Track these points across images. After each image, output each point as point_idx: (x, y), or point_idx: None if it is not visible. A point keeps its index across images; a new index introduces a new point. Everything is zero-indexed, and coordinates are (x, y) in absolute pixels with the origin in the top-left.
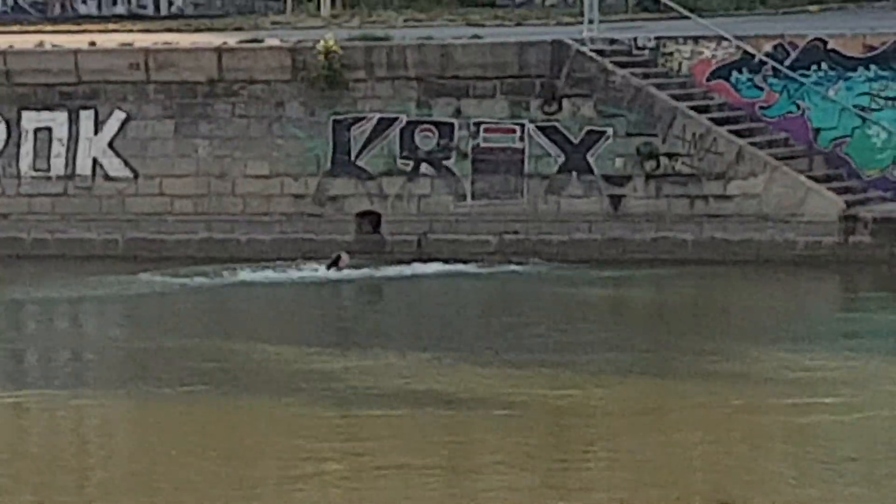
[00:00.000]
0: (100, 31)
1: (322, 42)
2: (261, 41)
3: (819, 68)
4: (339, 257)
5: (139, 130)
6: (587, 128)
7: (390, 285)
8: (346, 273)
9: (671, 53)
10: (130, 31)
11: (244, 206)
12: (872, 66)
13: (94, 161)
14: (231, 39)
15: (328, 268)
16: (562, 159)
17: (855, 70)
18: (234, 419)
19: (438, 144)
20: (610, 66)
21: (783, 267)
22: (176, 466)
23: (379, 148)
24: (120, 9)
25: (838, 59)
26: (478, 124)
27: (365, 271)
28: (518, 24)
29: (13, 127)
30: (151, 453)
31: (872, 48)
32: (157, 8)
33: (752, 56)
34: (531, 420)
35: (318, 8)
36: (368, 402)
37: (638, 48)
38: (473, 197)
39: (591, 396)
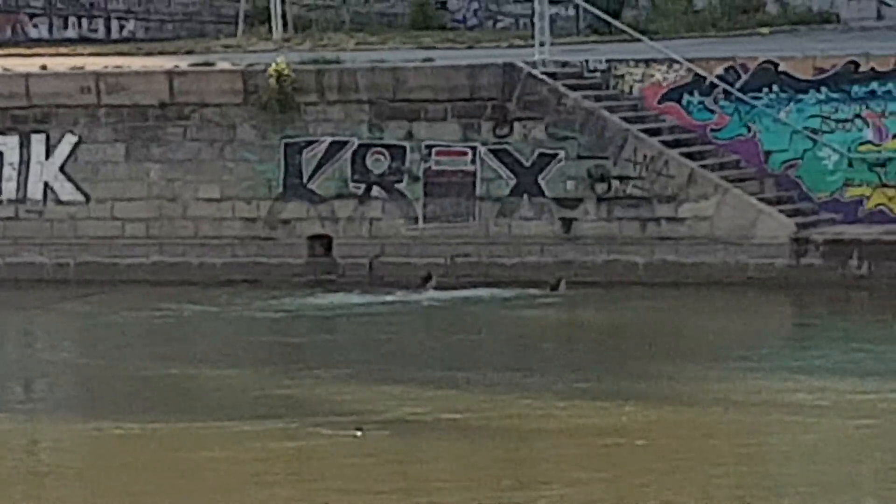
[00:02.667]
0: (51, 55)
1: (273, 65)
2: (212, 64)
3: (770, 91)
4: (429, 276)
5: (90, 154)
6: (538, 150)
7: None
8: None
9: (622, 76)
10: (81, 54)
11: (196, 229)
12: (823, 89)
13: (46, 185)
14: (182, 63)
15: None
16: (513, 182)
17: (806, 92)
18: (181, 443)
19: (390, 167)
20: (561, 89)
21: (734, 289)
22: (127, 486)
23: (331, 171)
24: (71, 32)
25: (789, 82)
26: (429, 147)
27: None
28: (470, 47)
29: None
30: (99, 475)
31: (823, 70)
32: (108, 31)
33: (704, 78)
34: (483, 441)
35: (270, 31)
36: (321, 423)
37: (589, 71)
38: (425, 220)
39: (542, 418)
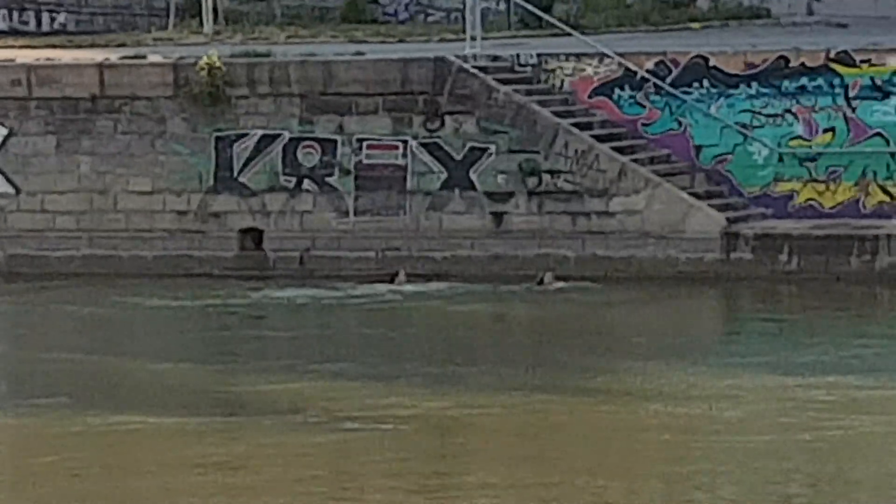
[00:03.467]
0: None
1: (204, 58)
2: (143, 57)
3: (701, 86)
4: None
5: (21, 146)
6: (469, 144)
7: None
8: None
9: (553, 70)
10: (12, 46)
11: (126, 222)
12: (754, 84)
13: None
14: (113, 55)
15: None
16: (444, 176)
17: (736, 87)
18: (113, 436)
19: (321, 161)
20: (492, 83)
21: (665, 283)
22: (56, 482)
23: (261, 164)
24: (1, 24)
25: (720, 77)
26: (360, 141)
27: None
28: (401, 41)
29: None
30: (32, 469)
31: (754, 66)
32: (38, 24)
33: (634, 73)
34: (413, 436)
35: (201, 24)
36: (255, 417)
37: (520, 65)
38: (356, 213)
39: (473, 413)
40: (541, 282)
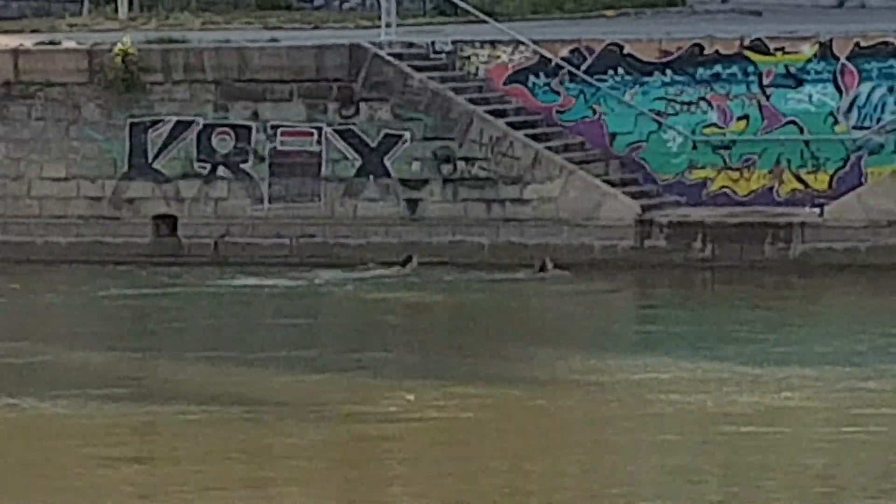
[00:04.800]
0: None
1: (119, 45)
2: (57, 43)
3: (615, 73)
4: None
5: None
6: (384, 131)
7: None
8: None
9: (468, 57)
10: None
11: (40, 208)
12: (668, 71)
13: None
14: (27, 41)
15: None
16: (359, 163)
17: (651, 75)
18: (31, 424)
19: (235, 147)
20: (407, 70)
21: (579, 270)
22: None
23: (176, 151)
24: None
25: (634, 64)
26: (275, 127)
27: None
28: (316, 28)
29: None
30: None
31: (668, 53)
32: None
33: (549, 60)
34: (327, 425)
35: (116, 10)
36: (167, 405)
37: (435, 52)
38: (270, 200)
39: (388, 401)
40: (542, 268)
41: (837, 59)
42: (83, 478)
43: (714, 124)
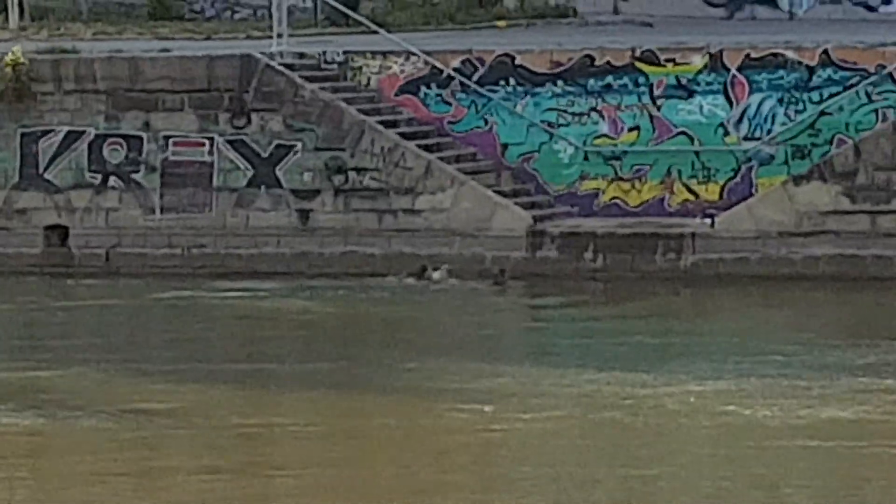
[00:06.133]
0: None
1: (9, 55)
2: None
3: (507, 84)
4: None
5: None
6: (276, 142)
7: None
8: None
9: (360, 68)
10: None
11: None
12: (559, 82)
13: None
14: None
15: None
16: (251, 173)
17: (542, 86)
18: None
19: (127, 158)
20: (299, 81)
21: (471, 280)
22: None
23: (67, 161)
24: None
25: (526, 75)
26: (167, 138)
27: None
28: (207, 38)
29: None
30: None
31: (559, 64)
32: None
33: (441, 71)
34: (216, 435)
35: (6, 20)
36: (60, 412)
37: (327, 62)
38: (162, 210)
39: (278, 411)
40: (499, 281)
41: (728, 70)
42: None
43: (605, 135)
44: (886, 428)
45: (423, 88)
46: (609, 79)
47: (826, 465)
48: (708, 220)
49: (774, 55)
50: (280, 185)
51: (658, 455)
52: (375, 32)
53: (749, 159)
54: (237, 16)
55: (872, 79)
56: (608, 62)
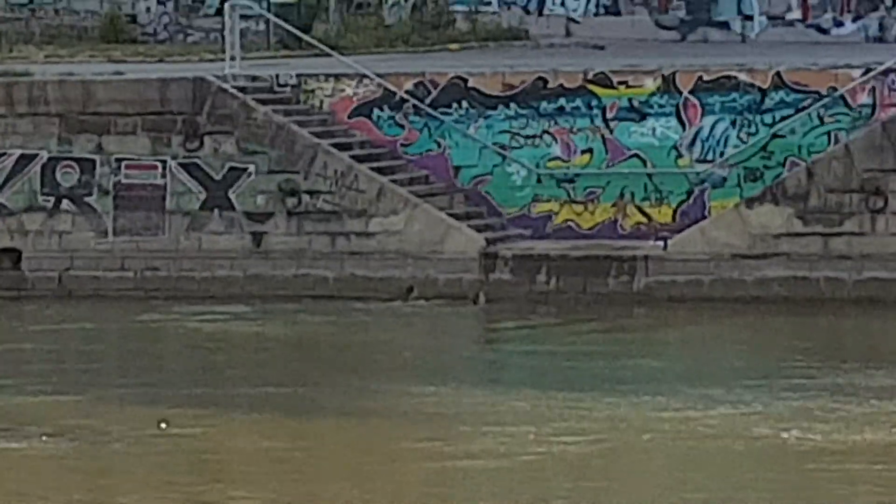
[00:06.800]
0: None
1: None
2: None
3: (460, 106)
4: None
5: None
6: (229, 164)
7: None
8: None
9: (313, 91)
10: None
11: None
12: (512, 105)
13: None
14: None
15: None
16: (203, 196)
17: (495, 108)
18: None
19: (80, 181)
20: (251, 103)
21: (424, 304)
22: None
23: (20, 184)
24: None
25: (479, 98)
26: (119, 161)
27: None
28: (160, 61)
29: None
30: None
31: (512, 87)
32: None
33: (394, 94)
34: (167, 459)
35: None
36: (8, 434)
37: (279, 85)
38: (115, 233)
39: (229, 434)
40: (475, 301)
41: (680, 92)
42: None
43: (558, 158)
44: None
45: (376, 111)
46: (562, 101)
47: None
48: (661, 243)
49: (727, 77)
50: (233, 208)
51: (616, 474)
52: (328, 55)
53: (702, 182)
54: (190, 38)
55: (825, 101)
56: (561, 85)
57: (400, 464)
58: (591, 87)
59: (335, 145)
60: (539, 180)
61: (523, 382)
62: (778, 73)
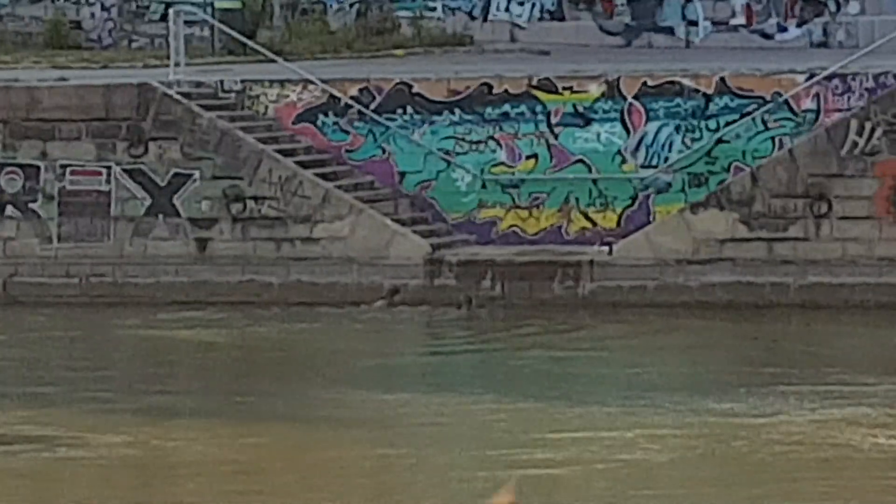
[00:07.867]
0: None
1: None
2: None
3: (404, 112)
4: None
5: None
6: (174, 170)
7: None
8: None
9: (257, 96)
10: None
11: None
12: (457, 110)
13: None
14: None
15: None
16: (148, 202)
17: (440, 114)
18: None
19: (24, 187)
20: (196, 109)
21: (370, 309)
22: None
23: None
24: None
25: (423, 103)
26: (64, 167)
27: None
28: (105, 67)
29: None
30: None
31: (457, 92)
32: None
33: (338, 99)
34: (110, 467)
35: None
36: None
37: (224, 91)
38: (60, 240)
39: (173, 444)
40: (460, 306)
41: (625, 98)
42: None
43: (503, 163)
44: None
45: (321, 117)
46: (506, 107)
47: None
48: (606, 248)
49: (671, 83)
50: (178, 214)
51: (566, 483)
52: (273, 61)
53: (646, 187)
54: (134, 44)
55: (769, 106)
56: (505, 90)
57: (346, 469)
58: (535, 92)
59: (280, 151)
60: (484, 186)
61: (464, 386)
62: (722, 79)
